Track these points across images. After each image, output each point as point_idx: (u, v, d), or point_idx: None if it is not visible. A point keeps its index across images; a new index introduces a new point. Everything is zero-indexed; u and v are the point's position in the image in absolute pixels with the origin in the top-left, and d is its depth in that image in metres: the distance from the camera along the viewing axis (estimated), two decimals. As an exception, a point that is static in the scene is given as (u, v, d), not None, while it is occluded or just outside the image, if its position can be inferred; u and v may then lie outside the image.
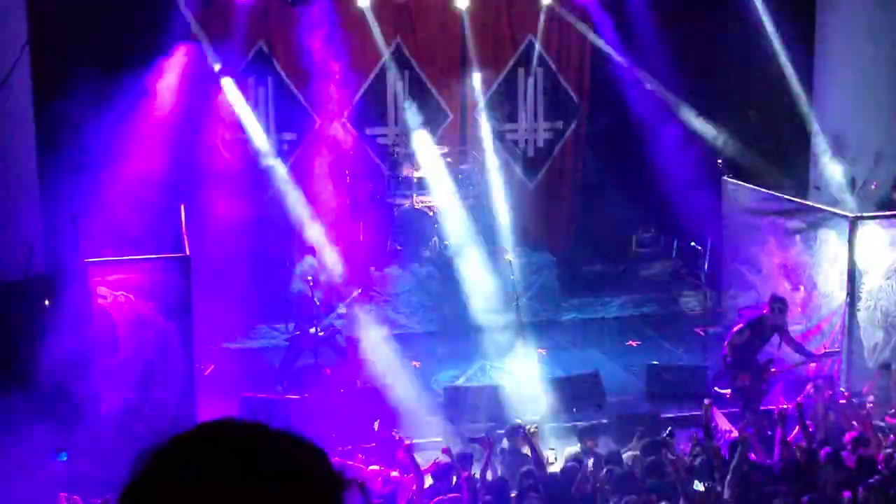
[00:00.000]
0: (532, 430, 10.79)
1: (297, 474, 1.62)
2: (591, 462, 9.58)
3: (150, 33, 14.71)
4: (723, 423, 10.79)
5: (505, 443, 10.66)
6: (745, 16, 16.18)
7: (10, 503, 9.24)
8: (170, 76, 14.68)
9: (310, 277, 13.13)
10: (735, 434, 9.88)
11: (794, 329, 12.24)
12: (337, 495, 1.64)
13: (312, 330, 13.06)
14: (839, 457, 8.90)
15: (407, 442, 9.81)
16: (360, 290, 13.74)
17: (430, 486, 9.54)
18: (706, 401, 10.66)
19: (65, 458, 10.86)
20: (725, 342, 11.82)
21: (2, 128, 13.60)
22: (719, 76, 16.84)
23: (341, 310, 13.59)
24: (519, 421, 11.33)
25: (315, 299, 13.00)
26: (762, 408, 11.49)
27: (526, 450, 10.34)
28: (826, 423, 10.67)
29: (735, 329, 11.82)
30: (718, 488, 8.77)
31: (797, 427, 9.99)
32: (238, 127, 15.71)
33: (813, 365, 11.92)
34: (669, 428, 11.01)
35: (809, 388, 11.28)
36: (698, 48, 16.54)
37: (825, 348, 12.38)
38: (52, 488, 9.56)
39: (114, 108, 13.72)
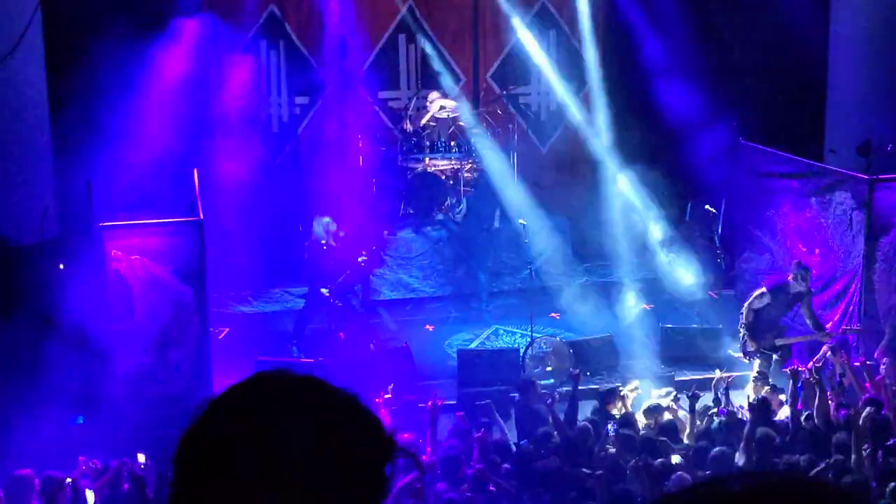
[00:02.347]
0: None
1: (348, 428, 1.61)
2: (611, 425, 9.62)
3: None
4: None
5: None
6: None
7: (29, 466, 9.29)
8: (182, 41, 14.61)
9: (323, 241, 13.14)
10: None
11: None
12: (387, 457, 1.64)
13: (325, 292, 13.08)
14: (855, 420, 8.88)
15: (429, 404, 9.77)
16: (366, 257, 13.70)
17: (447, 444, 9.59)
18: (718, 372, 10.58)
19: (81, 422, 10.94)
20: (745, 304, 11.78)
21: (16, 92, 13.58)
22: (731, 35, 16.63)
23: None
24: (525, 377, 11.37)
25: (328, 262, 13.02)
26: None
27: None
28: (841, 387, 10.65)
29: (756, 293, 11.78)
30: (735, 454, 8.79)
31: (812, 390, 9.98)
32: (250, 92, 15.65)
33: (826, 339, 11.72)
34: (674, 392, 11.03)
35: (825, 350, 11.26)
36: (713, 10, 16.43)
37: (840, 314, 12.34)
38: (71, 451, 9.61)
39: (127, 72, 13.67)
